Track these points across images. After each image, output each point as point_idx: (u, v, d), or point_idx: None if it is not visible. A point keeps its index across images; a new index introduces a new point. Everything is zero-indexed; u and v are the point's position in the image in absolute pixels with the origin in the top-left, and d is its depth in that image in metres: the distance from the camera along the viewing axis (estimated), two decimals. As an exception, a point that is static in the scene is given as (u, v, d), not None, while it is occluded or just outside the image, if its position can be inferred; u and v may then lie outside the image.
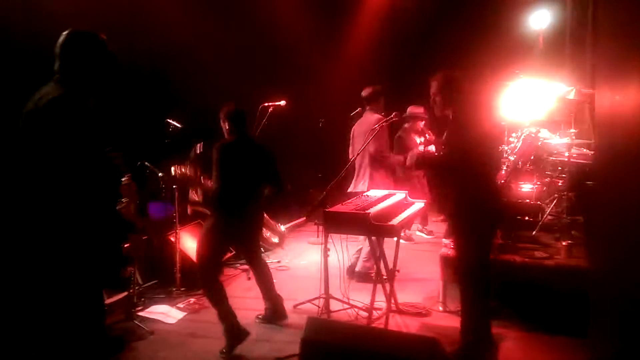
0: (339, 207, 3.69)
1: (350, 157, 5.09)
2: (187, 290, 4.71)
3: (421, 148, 6.20)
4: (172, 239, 4.90)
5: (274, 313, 4.08)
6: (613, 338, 2.34)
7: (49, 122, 2.40)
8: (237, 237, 3.89)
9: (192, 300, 4.51)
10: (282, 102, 5.39)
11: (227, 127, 3.81)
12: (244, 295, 4.69)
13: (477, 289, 3.33)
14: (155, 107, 5.31)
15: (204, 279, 3.69)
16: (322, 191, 4.18)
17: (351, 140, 5.19)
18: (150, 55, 5.64)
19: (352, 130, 5.21)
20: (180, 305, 4.42)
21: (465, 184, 3.25)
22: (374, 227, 3.39)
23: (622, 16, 2.22)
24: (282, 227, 5.99)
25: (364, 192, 4.59)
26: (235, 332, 3.58)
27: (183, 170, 3.72)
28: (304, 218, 7.66)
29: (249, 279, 4.98)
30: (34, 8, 4.62)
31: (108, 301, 4.38)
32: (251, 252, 4.09)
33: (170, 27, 5.91)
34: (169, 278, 4.81)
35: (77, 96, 2.48)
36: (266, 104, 5.39)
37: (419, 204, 4.22)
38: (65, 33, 2.55)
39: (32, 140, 2.46)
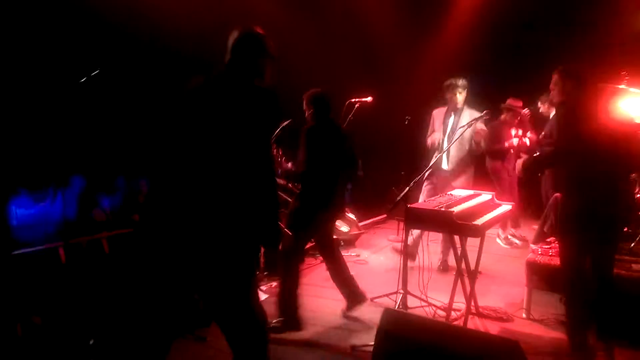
0: (421, 204, 3.68)
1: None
2: (270, 274, 4.87)
3: (515, 141, 5.99)
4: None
5: (354, 297, 4.08)
6: None
7: (267, 114, 2.36)
8: (321, 222, 3.93)
9: (274, 284, 4.69)
10: (369, 98, 5.41)
11: (312, 112, 3.85)
12: (323, 285, 4.79)
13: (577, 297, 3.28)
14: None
15: (284, 264, 3.81)
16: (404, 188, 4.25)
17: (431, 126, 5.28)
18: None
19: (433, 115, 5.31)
20: (263, 288, 4.63)
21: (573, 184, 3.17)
22: (457, 225, 3.34)
23: None
24: (352, 216, 6.11)
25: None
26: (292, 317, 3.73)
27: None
28: (385, 215, 7.71)
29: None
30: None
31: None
32: (326, 238, 4.08)
33: (262, 23, 6.14)
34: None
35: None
36: (353, 100, 5.44)
37: (506, 206, 4.09)
38: (238, 32, 2.53)
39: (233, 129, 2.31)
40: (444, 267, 5.19)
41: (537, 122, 6.14)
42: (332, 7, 7.17)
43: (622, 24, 6.68)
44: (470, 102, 5.16)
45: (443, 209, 3.44)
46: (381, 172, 8.69)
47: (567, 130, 3.21)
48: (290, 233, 3.72)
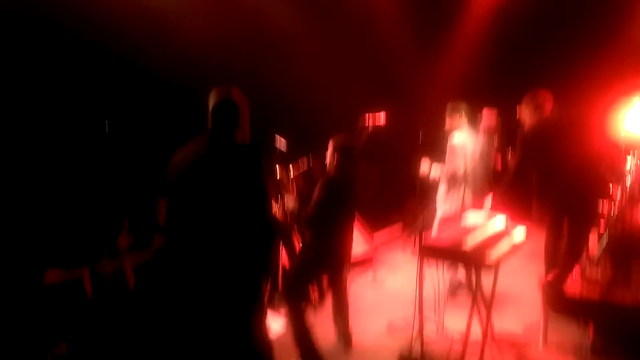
0: (435, 238, 3.69)
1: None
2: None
3: None
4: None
5: (342, 339, 4.09)
6: None
7: (256, 168, 2.62)
8: (326, 267, 3.97)
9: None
10: (382, 112, 5.41)
11: (337, 162, 3.85)
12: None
13: None
14: (262, 121, 5.61)
15: (288, 300, 3.84)
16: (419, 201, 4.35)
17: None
18: (257, 69, 5.95)
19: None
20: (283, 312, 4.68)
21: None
22: (472, 260, 3.36)
23: None
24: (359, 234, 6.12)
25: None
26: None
27: (286, 176, 4.02)
28: (400, 223, 7.72)
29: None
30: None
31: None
32: (334, 281, 4.10)
33: (280, 46, 6.19)
34: (273, 284, 5.09)
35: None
36: (366, 115, 5.45)
37: (520, 229, 4.05)
38: (216, 98, 2.75)
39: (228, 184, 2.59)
40: (452, 292, 5.08)
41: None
42: (347, 24, 7.17)
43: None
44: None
45: (456, 244, 3.44)
46: (397, 181, 8.69)
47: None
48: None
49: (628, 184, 4.66)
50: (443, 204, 5.10)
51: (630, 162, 4.84)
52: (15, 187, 4.49)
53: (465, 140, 5.02)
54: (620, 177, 4.78)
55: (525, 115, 4.19)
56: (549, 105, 4.16)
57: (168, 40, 5.78)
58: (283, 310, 4.69)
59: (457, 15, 8.11)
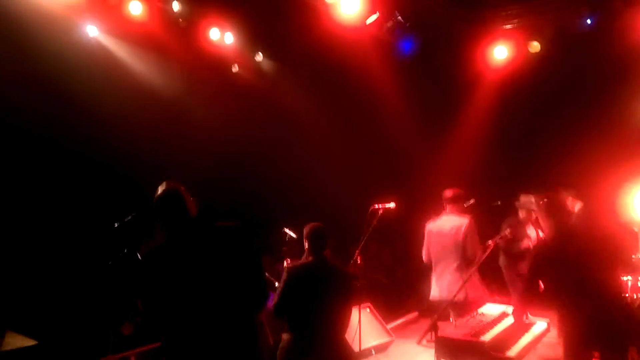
0: (451, 332, 3.57)
1: (425, 259, 5.20)
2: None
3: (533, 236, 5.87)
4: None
5: None
6: None
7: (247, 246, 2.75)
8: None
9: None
10: (392, 204, 5.45)
11: (308, 247, 3.74)
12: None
13: None
14: (271, 215, 5.70)
15: None
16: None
17: (427, 242, 5.19)
18: (267, 167, 6.13)
19: (428, 231, 5.22)
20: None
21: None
22: (490, 357, 3.21)
23: None
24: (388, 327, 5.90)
25: (461, 299, 4.52)
26: None
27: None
28: (416, 313, 7.49)
29: None
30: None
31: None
32: None
33: (283, 140, 6.43)
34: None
35: None
36: (376, 206, 5.49)
37: (541, 325, 3.92)
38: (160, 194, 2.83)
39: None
40: None
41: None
42: (355, 112, 7.48)
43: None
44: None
45: (473, 338, 3.32)
46: (410, 263, 8.59)
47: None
48: None
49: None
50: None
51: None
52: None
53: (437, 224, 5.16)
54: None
55: (544, 217, 3.89)
56: (567, 206, 4.01)
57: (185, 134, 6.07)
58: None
59: (461, 108, 8.44)
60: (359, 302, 5.33)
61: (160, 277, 2.65)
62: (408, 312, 7.52)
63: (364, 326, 5.81)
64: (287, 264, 3.97)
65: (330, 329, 3.62)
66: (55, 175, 5.34)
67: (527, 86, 7.53)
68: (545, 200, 4.89)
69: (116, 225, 3.24)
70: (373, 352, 5.88)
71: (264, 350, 3.92)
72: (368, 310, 6.29)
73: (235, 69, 7.28)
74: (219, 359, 2.65)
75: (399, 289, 8.29)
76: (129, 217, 3.23)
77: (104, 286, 4.21)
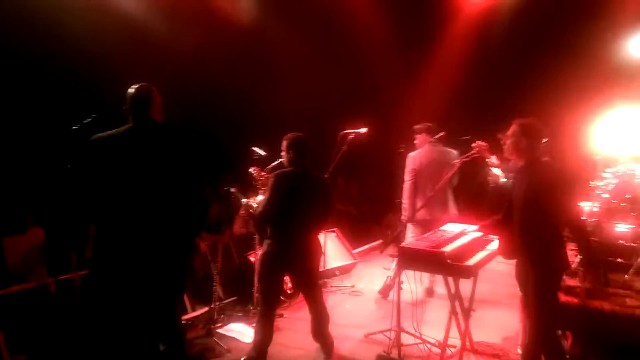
0: (414, 243, 3.68)
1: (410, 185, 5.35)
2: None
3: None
4: (252, 258, 5.13)
5: (324, 350, 3.95)
6: None
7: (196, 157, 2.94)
8: (290, 266, 3.81)
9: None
10: (363, 130, 5.44)
11: (290, 157, 3.79)
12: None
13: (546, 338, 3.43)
14: (240, 134, 5.62)
15: (261, 304, 3.79)
16: (398, 216, 4.28)
17: (418, 171, 5.31)
18: (235, 86, 5.98)
19: (420, 161, 5.34)
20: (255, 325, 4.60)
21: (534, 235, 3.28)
22: (450, 266, 3.35)
23: None
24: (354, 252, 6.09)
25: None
26: None
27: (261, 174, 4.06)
28: (380, 241, 7.71)
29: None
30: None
31: (191, 315, 4.70)
32: (306, 286, 3.93)
33: (254, 58, 6.26)
34: (248, 296, 5.03)
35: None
36: (347, 131, 5.47)
37: (497, 240, 4.09)
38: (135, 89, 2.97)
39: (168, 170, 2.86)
40: (429, 293, 5.31)
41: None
42: (325, 40, 7.30)
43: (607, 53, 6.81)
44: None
45: (434, 249, 3.44)
46: (378, 197, 8.76)
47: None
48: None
49: (604, 198, 4.73)
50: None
51: (605, 178, 4.93)
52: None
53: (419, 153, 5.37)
54: (595, 193, 4.87)
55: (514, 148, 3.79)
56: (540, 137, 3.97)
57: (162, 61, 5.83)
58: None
59: (437, 37, 8.35)
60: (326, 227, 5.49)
61: (104, 162, 2.76)
62: (373, 240, 7.72)
63: (330, 249, 5.98)
64: (254, 171, 4.00)
65: (309, 235, 3.79)
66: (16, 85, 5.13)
67: (502, 21, 7.49)
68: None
69: (75, 127, 3.14)
70: (337, 273, 6.08)
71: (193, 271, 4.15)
72: (334, 234, 6.43)
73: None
74: (145, 260, 2.80)
75: (366, 221, 8.48)
76: (89, 119, 3.14)
77: (64, 192, 4.14)
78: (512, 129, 3.43)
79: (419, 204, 5.14)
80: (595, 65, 6.78)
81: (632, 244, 4.70)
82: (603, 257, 4.60)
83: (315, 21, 7.25)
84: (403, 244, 3.65)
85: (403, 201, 5.35)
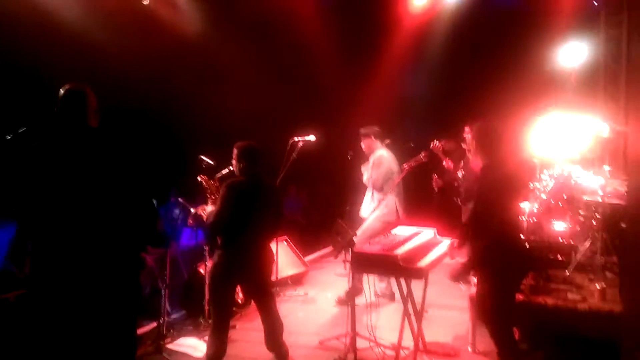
0: (366, 247, 3.71)
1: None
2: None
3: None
4: (201, 270, 4.98)
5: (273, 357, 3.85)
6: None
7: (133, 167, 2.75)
8: (243, 276, 3.71)
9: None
10: (312, 137, 5.46)
11: (242, 165, 3.71)
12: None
13: (504, 333, 3.47)
14: (189, 144, 5.50)
15: (213, 316, 3.69)
16: (348, 222, 4.30)
17: (394, 174, 5.34)
18: (182, 93, 5.85)
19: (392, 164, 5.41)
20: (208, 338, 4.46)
21: (490, 230, 3.34)
22: (402, 269, 3.39)
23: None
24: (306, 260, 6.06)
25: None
26: None
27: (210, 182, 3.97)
28: (331, 248, 7.72)
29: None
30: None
31: (138, 331, 4.49)
32: (259, 296, 3.83)
33: (200, 65, 6.16)
34: (198, 309, 4.88)
35: None
36: (296, 139, 5.47)
37: (447, 242, 4.19)
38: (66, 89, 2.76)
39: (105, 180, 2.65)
40: (390, 298, 5.33)
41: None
42: (272, 47, 7.29)
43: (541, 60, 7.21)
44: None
45: (387, 252, 3.47)
46: (327, 203, 8.79)
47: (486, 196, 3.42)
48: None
49: (543, 198, 4.96)
50: (367, 213, 5.28)
51: (544, 179, 5.18)
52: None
53: (389, 157, 5.39)
54: (535, 193, 5.10)
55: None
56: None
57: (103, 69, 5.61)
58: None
59: (382, 46, 8.53)
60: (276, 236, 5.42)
61: (38, 173, 2.53)
62: (323, 247, 7.72)
63: (281, 257, 5.92)
64: (202, 178, 3.90)
65: (261, 244, 3.72)
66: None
67: (444, 29, 7.78)
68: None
69: (8, 137, 2.95)
70: (289, 281, 6.03)
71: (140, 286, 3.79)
72: (285, 243, 6.38)
73: (146, 1, 6.76)
74: (88, 277, 2.58)
75: (315, 228, 8.48)
76: (23, 129, 2.95)
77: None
78: (475, 130, 3.54)
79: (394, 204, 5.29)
80: (531, 72, 7.15)
81: (571, 242, 4.96)
82: (544, 255, 4.83)
83: (262, 29, 7.24)
84: (356, 248, 3.65)
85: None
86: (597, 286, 4.16)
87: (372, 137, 5.53)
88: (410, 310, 3.97)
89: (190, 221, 4.74)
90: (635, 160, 2.61)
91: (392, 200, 5.30)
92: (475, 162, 3.52)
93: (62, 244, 2.56)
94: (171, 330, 4.53)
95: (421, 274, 3.43)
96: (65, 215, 2.55)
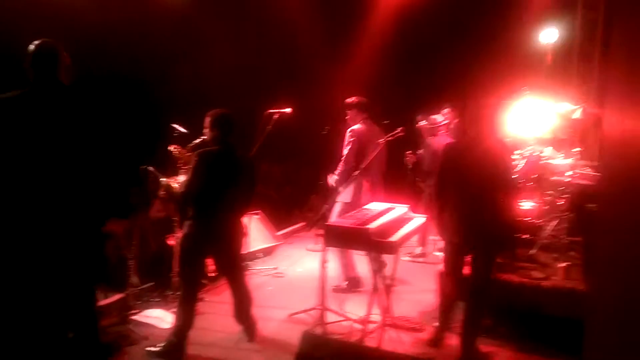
0: (339, 221, 3.68)
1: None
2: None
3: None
4: (171, 242, 4.90)
5: (247, 333, 3.88)
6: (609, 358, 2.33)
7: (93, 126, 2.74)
8: (213, 248, 3.69)
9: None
10: (288, 110, 5.35)
11: (214, 134, 3.63)
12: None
13: (482, 309, 3.66)
14: (160, 112, 5.33)
15: (182, 288, 3.65)
16: (322, 198, 4.26)
17: (360, 147, 5.01)
18: (154, 60, 5.65)
19: (363, 136, 5.04)
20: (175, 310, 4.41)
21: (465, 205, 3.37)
22: (374, 243, 3.38)
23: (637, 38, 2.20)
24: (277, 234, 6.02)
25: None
26: (175, 350, 3.54)
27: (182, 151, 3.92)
28: (303, 223, 7.71)
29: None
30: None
31: (103, 302, 4.40)
32: (229, 268, 3.83)
33: (175, 32, 5.95)
34: (166, 281, 4.81)
35: None
36: (271, 111, 5.35)
37: (419, 219, 4.21)
38: (35, 46, 2.71)
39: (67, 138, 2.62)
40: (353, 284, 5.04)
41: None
42: (250, 16, 7.09)
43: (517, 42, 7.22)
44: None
45: (360, 226, 3.46)
46: (300, 179, 8.74)
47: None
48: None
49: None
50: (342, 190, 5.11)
51: (517, 159, 5.23)
52: None
53: (365, 131, 5.06)
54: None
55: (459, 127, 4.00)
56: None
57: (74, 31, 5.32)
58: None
59: (361, 21, 8.42)
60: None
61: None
62: (296, 222, 7.70)
63: (253, 231, 5.87)
64: (175, 149, 3.79)
65: (233, 216, 3.66)
66: None
67: (424, 8, 7.68)
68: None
69: None
70: (260, 255, 6.00)
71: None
72: (258, 217, 6.33)
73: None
74: (47, 238, 2.61)
75: (288, 204, 8.44)
76: None
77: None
78: (450, 111, 3.58)
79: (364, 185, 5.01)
80: (508, 53, 7.18)
81: (538, 221, 5.05)
82: (512, 234, 4.91)
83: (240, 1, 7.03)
84: (329, 221, 3.63)
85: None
86: (562, 265, 4.26)
87: (355, 109, 5.18)
88: (379, 285, 3.99)
89: (161, 192, 4.62)
90: (608, 143, 2.62)
91: (357, 181, 4.93)
92: (445, 139, 3.61)
93: (20, 201, 2.56)
94: (138, 302, 4.45)
95: (393, 248, 3.44)
96: (23, 171, 2.55)
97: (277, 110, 5.33)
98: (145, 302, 4.56)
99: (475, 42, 7.55)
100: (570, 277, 4.20)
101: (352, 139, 4.98)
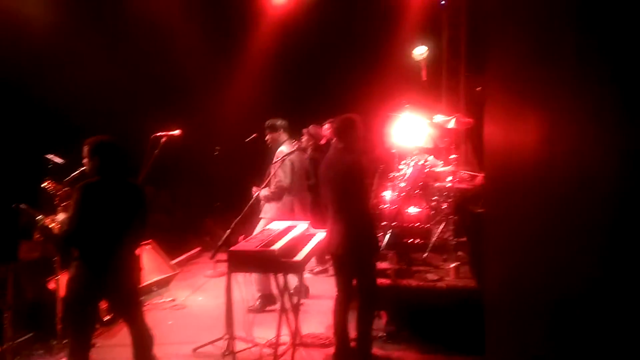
0: (243, 245, 3.59)
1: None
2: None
3: None
4: (52, 285, 4.41)
5: None
6: (508, 353, 2.52)
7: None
8: (106, 288, 3.34)
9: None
10: (177, 132, 5.12)
11: (95, 163, 3.31)
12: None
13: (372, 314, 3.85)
14: (33, 142, 4.81)
15: (72, 336, 3.32)
16: (218, 221, 4.12)
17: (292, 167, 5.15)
18: (28, 82, 5.12)
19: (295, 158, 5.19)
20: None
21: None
22: (280, 264, 3.35)
23: (510, 56, 2.46)
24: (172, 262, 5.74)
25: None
26: None
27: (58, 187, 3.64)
28: (199, 249, 7.42)
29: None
30: None
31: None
32: (125, 308, 3.49)
33: (49, 52, 5.44)
34: (49, 329, 4.31)
35: None
36: (158, 134, 5.08)
37: (321, 234, 4.25)
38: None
39: None
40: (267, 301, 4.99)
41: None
42: (131, 35, 6.72)
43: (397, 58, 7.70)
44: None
45: (265, 249, 3.41)
46: (193, 203, 8.41)
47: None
48: None
49: (401, 186, 5.30)
50: (269, 214, 5.04)
51: (404, 168, 5.54)
52: None
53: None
54: (395, 182, 5.43)
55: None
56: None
57: None
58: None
59: (246, 35, 8.39)
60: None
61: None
62: (191, 248, 7.39)
63: (145, 263, 5.49)
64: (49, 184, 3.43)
65: (124, 251, 3.36)
66: None
67: (308, 25, 7.88)
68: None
69: None
70: (154, 288, 5.62)
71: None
72: (149, 247, 5.95)
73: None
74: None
75: (181, 229, 8.07)
76: None
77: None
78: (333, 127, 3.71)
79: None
80: (390, 69, 7.61)
81: (427, 225, 5.39)
82: (404, 240, 5.18)
83: (120, 15, 6.64)
84: (232, 247, 3.52)
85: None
86: (452, 265, 4.58)
87: (281, 130, 5.17)
88: (287, 305, 3.95)
89: (36, 235, 4.12)
90: (490, 154, 2.88)
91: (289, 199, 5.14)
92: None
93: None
94: (17, 357, 3.94)
95: (299, 267, 3.43)
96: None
97: (164, 133, 5.08)
98: (27, 355, 4.05)
99: (359, 61, 7.92)
100: (460, 276, 4.52)
101: (284, 161, 4.90)
